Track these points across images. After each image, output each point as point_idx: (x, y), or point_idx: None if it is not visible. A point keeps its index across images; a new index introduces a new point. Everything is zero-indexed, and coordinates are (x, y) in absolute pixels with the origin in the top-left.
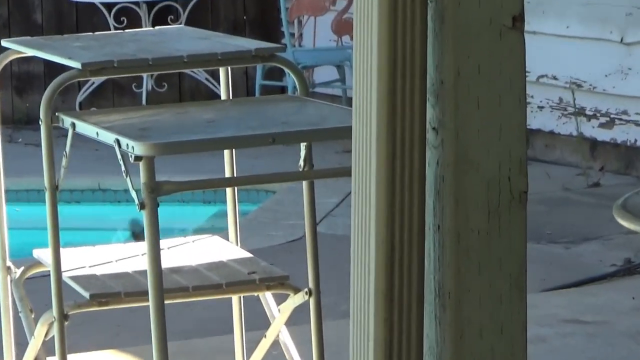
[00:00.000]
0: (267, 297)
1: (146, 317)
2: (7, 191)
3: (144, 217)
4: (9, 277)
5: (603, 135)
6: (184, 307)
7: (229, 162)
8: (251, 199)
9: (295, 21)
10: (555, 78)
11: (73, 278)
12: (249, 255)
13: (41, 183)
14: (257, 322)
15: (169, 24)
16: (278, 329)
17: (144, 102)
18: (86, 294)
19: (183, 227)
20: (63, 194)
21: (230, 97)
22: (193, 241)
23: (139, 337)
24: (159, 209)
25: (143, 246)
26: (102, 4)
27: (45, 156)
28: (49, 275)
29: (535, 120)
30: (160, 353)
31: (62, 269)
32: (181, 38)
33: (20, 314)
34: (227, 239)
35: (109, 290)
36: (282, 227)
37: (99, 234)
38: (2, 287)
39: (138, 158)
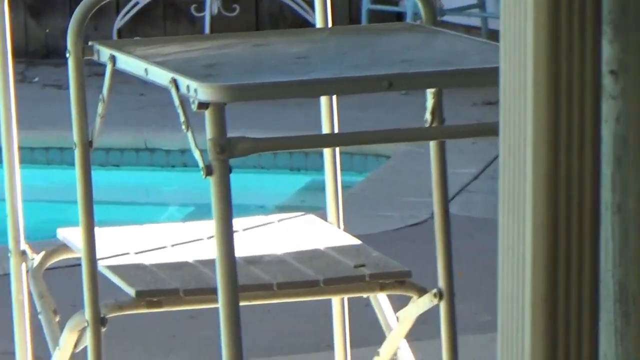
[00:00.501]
0: (380, 301)
1: (211, 326)
2: (20, 149)
3: (211, 186)
4: (24, 265)
5: None
6: (265, 313)
7: (326, 115)
8: (356, 167)
9: None
10: None
11: (112, 269)
12: (355, 242)
13: (67, 139)
14: (367, 334)
15: None
16: (396, 345)
17: (206, 30)
18: (131, 291)
19: (263, 203)
20: (97, 154)
21: (329, 25)
22: (278, 221)
23: (201, 353)
24: (230, 176)
25: (209, 227)
26: None
27: (75, 102)
28: (79, 264)
29: None
30: None
31: (97, 256)
32: None
33: (39, 316)
34: (325, 220)
35: (162, 286)
36: (400, 206)
37: (147, 210)
38: (14, 279)
39: (203, 105)
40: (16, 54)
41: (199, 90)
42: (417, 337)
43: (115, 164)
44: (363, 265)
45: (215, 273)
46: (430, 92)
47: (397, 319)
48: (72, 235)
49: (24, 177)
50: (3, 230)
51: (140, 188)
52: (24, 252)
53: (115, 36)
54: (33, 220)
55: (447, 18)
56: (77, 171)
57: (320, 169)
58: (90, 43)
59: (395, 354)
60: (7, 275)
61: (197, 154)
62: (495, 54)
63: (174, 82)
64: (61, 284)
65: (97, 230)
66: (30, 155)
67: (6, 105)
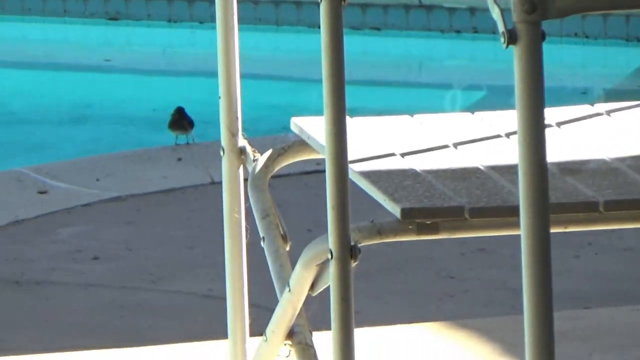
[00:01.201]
0: None
1: (503, 262)
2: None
3: (514, 60)
4: (241, 168)
5: None
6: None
7: None
8: None
9: None
10: None
11: (369, 176)
12: None
13: None
14: None
15: None
16: None
17: None
18: (395, 209)
19: (586, 86)
20: (349, 11)
21: None
22: (607, 112)
23: (490, 299)
24: (542, 46)
25: (508, 118)
26: None
27: None
28: (315, 170)
29: None
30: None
31: (349, 158)
32: None
33: (262, 244)
34: None
35: (439, 204)
36: None
37: (418, 92)
38: (228, 188)
39: None
40: None
41: None
42: None
43: (375, 27)
44: None
45: (516, 186)
46: None
47: None
48: (312, 127)
49: (247, 40)
50: (209, 119)
51: (409, 61)
52: (242, 150)
53: None
54: (248, 105)
55: None
56: (323, 32)
57: None
58: None
59: None
60: (215, 184)
61: (495, 13)
62: None
63: None
64: (290, 197)
65: (350, 121)
66: (252, 13)
67: None
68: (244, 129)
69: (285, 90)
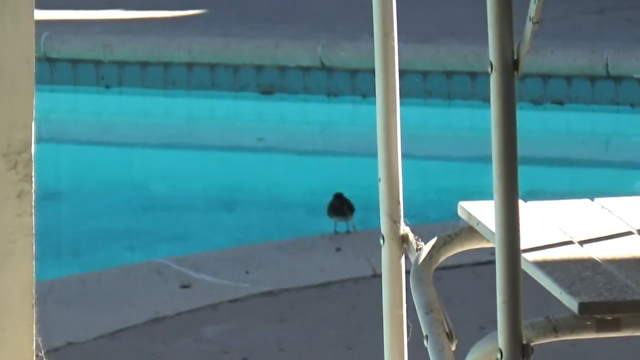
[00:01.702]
0: None
1: None
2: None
3: None
4: (403, 258)
5: None
6: None
7: None
8: None
9: None
10: None
11: (544, 266)
12: None
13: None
14: None
15: None
16: None
17: None
18: (572, 303)
19: None
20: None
21: None
22: None
23: None
24: None
25: None
26: None
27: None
28: (483, 262)
29: None
30: None
31: (522, 246)
32: None
33: (425, 343)
34: None
35: (623, 297)
36: None
37: (592, 174)
38: (388, 280)
39: None
40: None
41: None
42: None
43: (557, 100)
44: None
45: None
46: None
47: None
48: (482, 213)
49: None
50: (372, 204)
51: (595, 138)
52: (404, 239)
53: None
54: (415, 189)
55: None
56: (493, 105)
57: None
58: None
59: None
60: (378, 276)
61: None
62: None
63: None
64: (460, 291)
65: (521, 205)
66: (420, 86)
67: None
68: (409, 215)
69: (457, 172)
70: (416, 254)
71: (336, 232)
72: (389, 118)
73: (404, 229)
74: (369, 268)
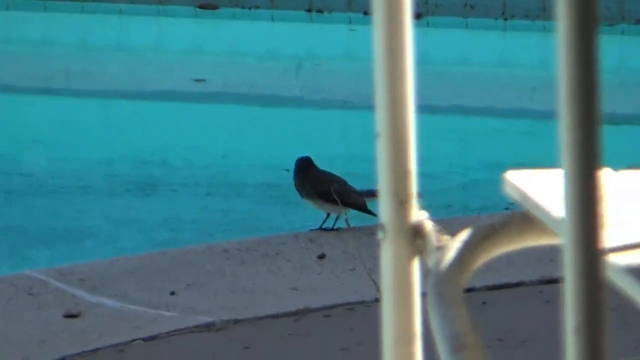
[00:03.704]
0: None
1: None
2: None
3: None
4: (416, 261)
5: None
6: None
7: None
8: None
9: None
10: None
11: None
12: None
13: None
14: None
15: None
16: None
17: None
18: None
19: None
20: None
21: None
22: None
23: None
24: None
25: None
26: None
27: None
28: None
29: None
30: None
31: (606, 245)
32: None
33: None
34: None
35: None
36: None
37: None
38: (392, 295)
39: None
40: None
41: None
42: None
43: None
44: None
45: None
46: None
47: None
48: (543, 190)
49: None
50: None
51: None
52: (416, 230)
53: None
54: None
55: None
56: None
57: None
58: None
59: None
60: (377, 302)
61: None
62: None
63: None
64: (517, 320)
65: (605, 174)
66: None
67: None
68: (423, 195)
69: (512, 131)
70: (437, 255)
71: (321, 229)
72: (396, 33)
73: (418, 214)
74: (370, 288)
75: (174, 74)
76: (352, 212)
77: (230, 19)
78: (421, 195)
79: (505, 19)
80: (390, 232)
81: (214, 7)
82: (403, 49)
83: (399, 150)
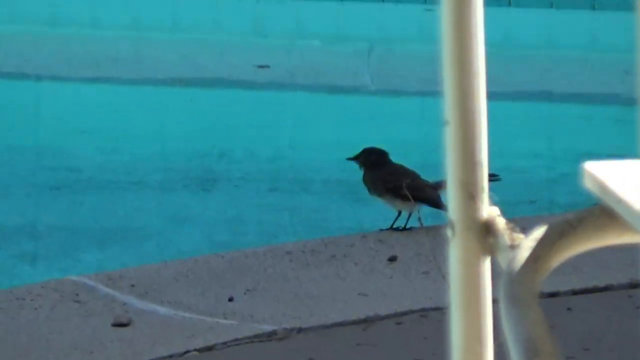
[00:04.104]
0: None
1: None
2: None
3: None
4: (487, 263)
5: None
6: None
7: None
8: None
9: None
10: None
11: None
12: None
13: None
14: None
15: None
16: None
17: None
18: None
19: None
20: None
21: None
22: None
23: None
24: None
25: None
26: None
27: None
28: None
29: None
30: None
31: None
32: None
33: None
34: None
35: None
36: None
37: None
38: (462, 297)
39: None
40: None
41: None
42: None
43: None
44: None
45: None
46: None
47: None
48: (628, 183)
49: None
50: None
51: None
52: (489, 227)
53: None
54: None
55: None
56: None
57: None
58: None
59: None
60: (441, 310)
61: None
62: None
63: None
64: (601, 325)
65: None
66: None
67: None
68: (494, 190)
69: (602, 118)
70: (510, 254)
71: (392, 228)
72: (466, 11)
73: (490, 210)
74: (445, 293)
75: (233, 59)
76: (426, 209)
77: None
78: (493, 191)
79: None
80: (459, 229)
81: None
82: (473, 27)
83: (468, 139)
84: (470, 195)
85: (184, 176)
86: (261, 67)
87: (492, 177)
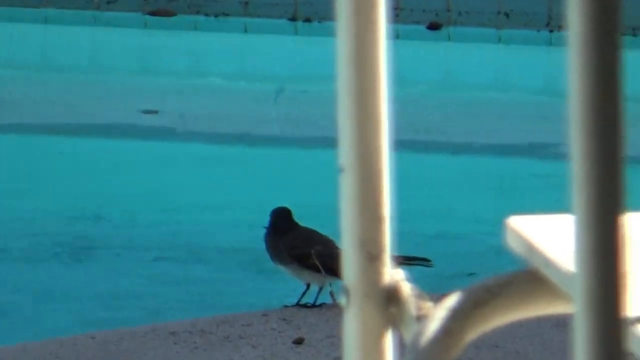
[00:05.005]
0: None
1: None
2: None
3: None
4: (389, 337)
5: None
6: None
7: None
8: None
9: None
10: None
11: None
12: None
13: None
14: None
15: None
16: None
17: None
18: None
19: None
20: None
21: None
22: None
23: None
24: None
25: None
26: None
27: None
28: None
29: None
30: None
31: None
32: None
33: None
34: None
35: None
36: None
37: None
38: None
39: None
40: None
41: None
42: None
43: None
44: None
45: None
46: None
47: None
48: (554, 241)
49: None
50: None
51: None
52: (391, 295)
53: None
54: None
55: None
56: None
57: None
58: None
59: None
60: None
61: None
62: None
63: None
64: None
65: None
66: None
67: None
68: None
69: (519, 168)
70: (418, 326)
71: (298, 305)
72: (365, 40)
73: (393, 274)
74: None
75: (116, 102)
76: (340, 283)
77: (189, 29)
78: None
79: (551, 31)
80: (356, 297)
81: (168, 14)
82: (374, 60)
83: (369, 189)
84: (369, 256)
85: (53, 243)
86: (148, 112)
87: (423, 262)
